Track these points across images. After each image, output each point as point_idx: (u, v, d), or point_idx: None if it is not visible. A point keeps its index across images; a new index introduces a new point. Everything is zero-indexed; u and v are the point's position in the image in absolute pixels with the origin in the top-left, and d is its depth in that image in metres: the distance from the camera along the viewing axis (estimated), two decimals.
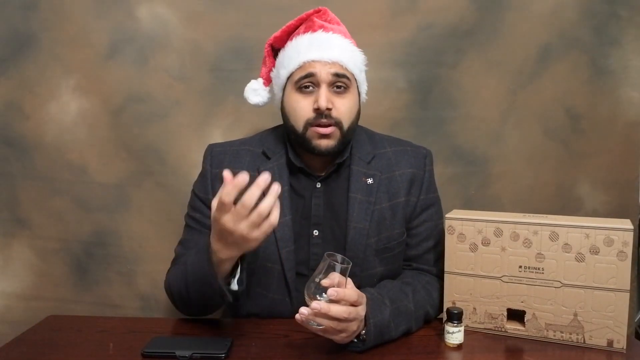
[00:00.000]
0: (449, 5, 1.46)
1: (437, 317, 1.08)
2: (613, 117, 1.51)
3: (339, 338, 0.87)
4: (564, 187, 1.54)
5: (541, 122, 1.53)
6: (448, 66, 1.49)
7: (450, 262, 1.04)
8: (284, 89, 1.08)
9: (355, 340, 0.91)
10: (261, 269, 1.06)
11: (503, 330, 1.00)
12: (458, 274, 1.03)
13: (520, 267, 0.98)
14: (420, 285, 1.07)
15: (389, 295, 0.98)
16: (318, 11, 1.10)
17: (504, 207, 1.53)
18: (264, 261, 1.05)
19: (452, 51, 1.49)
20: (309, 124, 1.02)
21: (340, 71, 1.03)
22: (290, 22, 1.10)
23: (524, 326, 0.98)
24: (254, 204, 0.81)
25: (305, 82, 1.02)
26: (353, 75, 1.06)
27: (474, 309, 1.02)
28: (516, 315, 0.99)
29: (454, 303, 1.03)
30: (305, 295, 0.84)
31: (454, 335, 0.95)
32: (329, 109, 1.01)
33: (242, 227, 0.82)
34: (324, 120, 1.01)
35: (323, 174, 1.10)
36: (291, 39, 1.08)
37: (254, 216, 0.81)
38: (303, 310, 0.82)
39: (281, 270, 1.06)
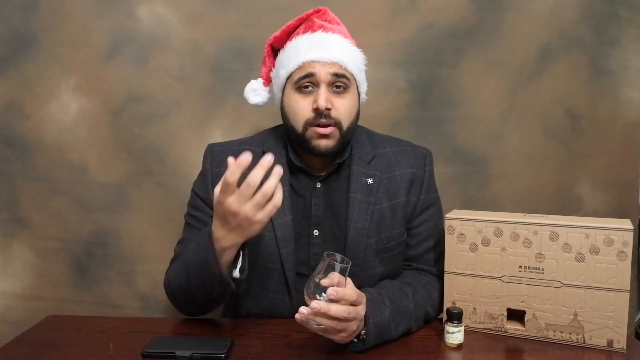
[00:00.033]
0: (449, 5, 1.46)
1: (437, 317, 1.08)
2: (613, 117, 1.51)
3: (339, 338, 0.87)
4: (564, 187, 1.54)
5: (541, 122, 1.53)
6: (448, 66, 1.49)
7: (450, 262, 1.04)
8: (283, 89, 1.08)
9: (355, 340, 0.91)
10: (261, 268, 1.06)
11: (503, 330, 1.00)
12: (458, 274, 1.03)
13: (520, 267, 0.98)
14: (420, 285, 1.07)
15: (389, 295, 0.98)
16: (318, 11, 1.10)
17: (504, 207, 1.53)
18: (264, 261, 1.05)
19: (452, 51, 1.49)
20: (309, 124, 1.02)
21: (340, 71, 1.03)
22: (290, 22, 1.10)
23: (524, 326, 0.98)
24: (258, 186, 0.82)
25: (304, 82, 1.02)
26: (352, 75, 1.06)
27: (474, 309, 1.02)
28: (516, 315, 0.99)
29: (454, 303, 1.03)
30: (305, 294, 0.84)
31: (454, 335, 0.95)
32: (328, 109, 1.01)
33: (247, 208, 0.83)
34: (323, 120, 1.01)
35: (323, 174, 1.10)
36: (291, 39, 1.08)
37: (259, 196, 0.83)
38: (303, 309, 0.82)
39: (281, 270, 1.06)
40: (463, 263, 1.02)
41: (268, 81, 1.15)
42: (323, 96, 1.01)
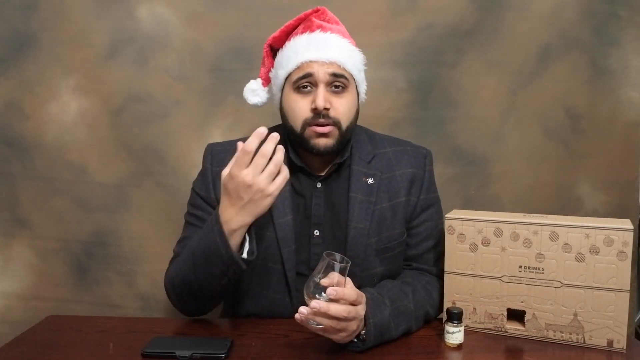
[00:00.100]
0: (449, 5, 1.46)
1: (437, 317, 1.08)
2: (613, 117, 1.51)
3: (339, 337, 0.87)
4: (564, 187, 1.54)
5: (541, 122, 1.53)
6: (448, 66, 1.49)
7: (450, 262, 1.04)
8: (282, 89, 1.08)
9: (355, 340, 0.91)
10: (262, 268, 1.06)
11: (503, 330, 1.00)
12: (458, 274, 1.03)
13: (520, 267, 0.98)
14: (420, 285, 1.07)
15: (389, 295, 0.98)
16: (316, 11, 1.10)
17: (504, 207, 1.53)
18: (264, 261, 1.05)
19: (452, 51, 1.49)
20: (307, 123, 1.02)
21: (338, 71, 1.03)
22: (289, 22, 1.10)
23: (524, 326, 0.98)
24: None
25: (303, 82, 1.02)
26: (351, 75, 1.06)
27: (474, 309, 1.02)
28: (516, 315, 0.99)
29: (454, 303, 1.03)
30: (305, 294, 0.84)
31: (454, 335, 0.95)
32: (326, 109, 1.01)
33: (261, 179, 0.88)
34: (321, 120, 1.01)
35: (323, 173, 1.10)
36: (289, 39, 1.08)
37: (271, 166, 0.89)
38: (302, 309, 0.82)
39: (282, 269, 1.06)
40: (463, 263, 1.02)
41: (267, 81, 1.14)
42: (321, 96, 1.01)
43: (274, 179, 0.90)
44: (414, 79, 1.49)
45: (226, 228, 0.92)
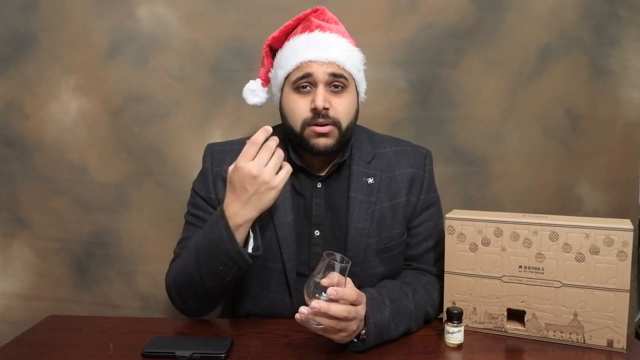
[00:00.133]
0: (449, 5, 1.46)
1: (437, 317, 1.08)
2: (613, 117, 1.51)
3: (339, 337, 0.87)
4: (564, 187, 1.54)
5: (541, 122, 1.53)
6: (448, 66, 1.49)
7: (450, 262, 1.04)
8: (281, 90, 1.08)
9: (355, 340, 0.91)
10: (262, 268, 1.05)
11: (503, 330, 1.00)
12: (458, 274, 1.03)
13: (520, 267, 0.98)
14: (420, 285, 1.07)
15: (389, 295, 0.98)
16: (315, 11, 1.10)
17: (504, 207, 1.53)
18: (265, 261, 1.05)
19: (452, 51, 1.49)
20: (307, 123, 1.02)
21: (338, 71, 1.03)
22: (288, 22, 1.10)
23: (524, 326, 0.98)
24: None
25: (302, 82, 1.02)
26: (351, 74, 1.06)
27: (474, 309, 1.02)
28: (516, 315, 0.99)
29: (454, 303, 1.03)
30: (305, 294, 0.84)
31: (454, 335, 0.95)
32: (326, 109, 1.01)
33: (266, 171, 0.93)
34: (321, 120, 1.01)
35: (324, 174, 1.10)
36: (289, 39, 1.08)
37: (275, 158, 0.94)
38: (303, 309, 0.82)
39: (282, 270, 1.06)
40: (463, 263, 1.02)
41: (266, 82, 1.14)
42: (321, 96, 1.00)
43: (277, 173, 0.94)
44: (414, 79, 1.49)
45: (231, 223, 0.93)
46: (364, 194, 1.08)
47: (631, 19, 1.47)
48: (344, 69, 1.04)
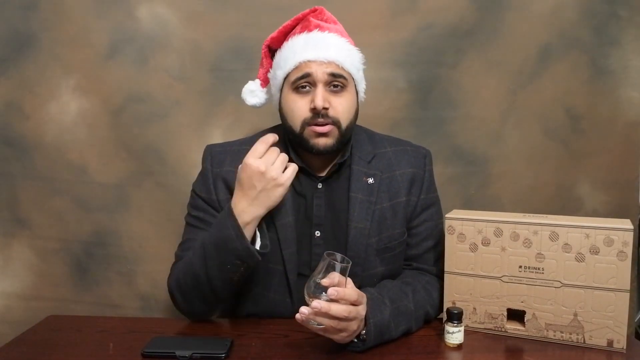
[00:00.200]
0: (449, 5, 1.46)
1: (437, 317, 1.08)
2: (613, 117, 1.51)
3: (339, 337, 0.87)
4: (564, 187, 1.54)
5: (541, 122, 1.53)
6: (448, 66, 1.49)
7: (450, 262, 1.04)
8: (281, 90, 1.08)
9: (356, 340, 0.91)
10: (263, 269, 1.05)
11: (503, 330, 1.00)
12: (458, 274, 1.03)
13: (520, 267, 0.98)
14: (420, 285, 1.07)
15: (389, 295, 0.98)
16: (314, 10, 1.10)
17: (504, 207, 1.53)
18: (266, 262, 1.05)
19: (452, 51, 1.49)
20: (306, 123, 1.02)
21: (337, 71, 1.02)
22: (287, 22, 1.10)
23: (524, 326, 0.98)
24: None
25: (301, 82, 1.02)
26: (350, 74, 1.06)
27: (474, 309, 1.02)
28: (516, 315, 0.99)
29: (454, 303, 1.03)
30: (305, 294, 0.84)
31: (454, 335, 0.95)
32: (325, 109, 1.01)
33: (274, 168, 0.96)
34: (320, 120, 1.01)
35: (324, 174, 1.10)
36: (287, 40, 1.08)
37: (281, 157, 0.98)
38: (303, 309, 0.82)
39: (283, 271, 1.06)
40: (463, 263, 1.02)
41: (265, 82, 1.14)
42: (320, 96, 1.00)
43: (283, 172, 0.97)
44: (414, 79, 1.49)
45: (240, 221, 0.94)
46: (364, 194, 1.08)
47: (631, 19, 1.47)
48: (343, 68, 1.04)
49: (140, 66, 1.46)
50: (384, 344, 0.94)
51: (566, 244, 0.94)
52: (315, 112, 1.01)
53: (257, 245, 0.98)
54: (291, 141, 1.09)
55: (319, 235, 1.08)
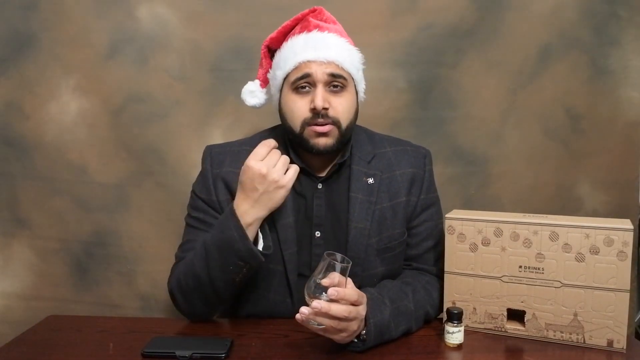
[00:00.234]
0: (449, 5, 1.46)
1: (437, 317, 1.08)
2: (613, 117, 1.51)
3: (339, 338, 0.87)
4: (564, 187, 1.54)
5: (541, 122, 1.53)
6: (448, 66, 1.49)
7: (450, 262, 1.04)
8: (280, 90, 1.08)
9: (356, 340, 0.91)
10: (263, 270, 1.05)
11: (503, 330, 1.00)
12: (458, 274, 1.03)
13: (520, 267, 0.98)
14: (420, 285, 1.07)
15: (389, 295, 0.98)
16: (313, 10, 1.10)
17: (504, 207, 1.53)
18: (266, 262, 1.05)
19: (452, 51, 1.49)
20: (306, 123, 1.02)
21: (336, 71, 1.02)
22: (286, 22, 1.10)
23: (524, 326, 0.98)
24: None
25: (301, 82, 1.02)
26: (350, 74, 1.06)
27: (474, 309, 1.02)
28: (516, 315, 0.99)
29: (454, 303, 1.03)
30: (305, 294, 0.84)
31: (454, 335, 0.95)
32: (325, 109, 1.01)
33: (275, 170, 0.96)
34: (320, 120, 1.01)
35: (324, 174, 1.10)
36: (287, 40, 1.08)
37: (283, 159, 0.98)
38: (303, 309, 0.82)
39: (283, 271, 1.06)
40: (463, 263, 1.02)
41: (265, 82, 1.14)
42: (320, 96, 1.00)
43: (285, 174, 0.97)
44: (414, 79, 1.49)
45: (242, 222, 0.94)
46: (364, 194, 1.08)
47: (631, 19, 1.47)
48: (342, 68, 1.04)
49: (140, 66, 1.46)
50: (384, 344, 0.94)
51: (566, 244, 0.94)
52: (315, 112, 1.01)
53: (260, 247, 0.98)
54: (291, 141, 1.09)
55: (319, 235, 1.08)
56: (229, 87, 1.46)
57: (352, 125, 1.07)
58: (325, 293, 0.82)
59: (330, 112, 1.02)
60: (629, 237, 0.90)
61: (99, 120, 1.49)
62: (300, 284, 1.04)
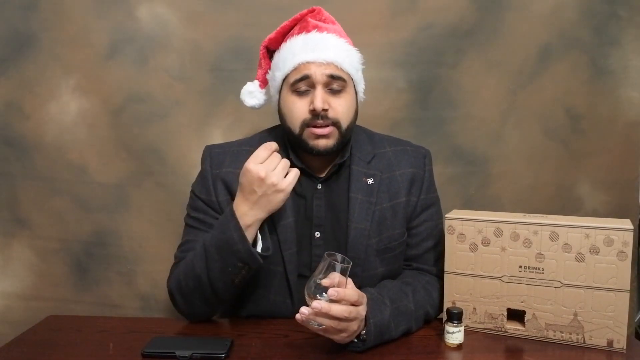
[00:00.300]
0: (449, 5, 1.46)
1: (437, 317, 1.08)
2: (613, 117, 1.51)
3: (339, 338, 0.87)
4: (564, 187, 1.54)
5: (541, 122, 1.53)
6: (448, 66, 1.49)
7: (450, 262, 1.04)
8: (280, 91, 1.08)
9: (356, 340, 0.91)
10: (263, 271, 1.05)
11: (503, 330, 1.00)
12: (458, 274, 1.03)
13: (520, 267, 0.98)
14: (420, 285, 1.07)
15: (389, 295, 0.98)
16: (312, 11, 1.09)
17: (504, 207, 1.53)
18: (266, 263, 1.05)
19: (452, 51, 1.49)
20: (306, 124, 1.02)
21: (336, 72, 1.02)
22: (285, 22, 1.10)
23: (524, 326, 0.98)
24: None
25: (300, 84, 1.02)
26: (349, 74, 1.05)
27: (474, 309, 1.02)
28: (516, 315, 0.99)
29: (454, 303, 1.03)
30: (306, 295, 0.85)
31: (454, 335, 0.95)
32: (325, 110, 1.01)
33: (274, 174, 0.95)
34: (320, 121, 1.01)
35: (324, 175, 1.10)
36: (285, 40, 1.07)
37: (283, 162, 0.97)
38: (304, 310, 0.82)
39: (283, 272, 1.06)
40: (463, 263, 1.02)
41: (264, 83, 1.14)
42: (319, 97, 1.00)
43: (285, 177, 0.96)
44: (414, 79, 1.49)
45: (241, 223, 0.94)
46: (364, 195, 1.08)
47: (631, 19, 1.47)
48: (341, 69, 1.03)
49: (140, 66, 1.46)
50: (384, 344, 0.94)
51: (566, 244, 0.94)
52: (315, 113, 1.01)
53: (259, 248, 0.98)
54: (290, 142, 1.09)
55: (319, 236, 1.08)
56: (229, 87, 1.46)
57: (352, 125, 1.07)
58: (326, 293, 0.82)
59: (330, 113, 1.02)
60: (629, 237, 0.90)
61: (99, 120, 1.49)
62: (300, 284, 1.04)
